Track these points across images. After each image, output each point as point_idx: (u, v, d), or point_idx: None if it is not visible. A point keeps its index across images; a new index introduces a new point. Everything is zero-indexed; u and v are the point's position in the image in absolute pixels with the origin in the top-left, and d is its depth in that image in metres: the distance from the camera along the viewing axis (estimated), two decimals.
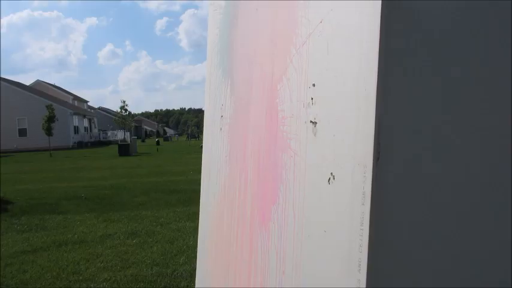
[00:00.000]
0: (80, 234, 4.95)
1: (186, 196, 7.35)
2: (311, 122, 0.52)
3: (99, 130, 44.41)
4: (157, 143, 32.86)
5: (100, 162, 16.36)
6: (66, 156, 21.43)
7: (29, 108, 31.20)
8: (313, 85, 0.52)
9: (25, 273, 3.65)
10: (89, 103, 52.01)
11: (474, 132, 0.46)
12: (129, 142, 21.88)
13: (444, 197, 0.45)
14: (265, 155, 0.65)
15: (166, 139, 53.29)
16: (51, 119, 24.02)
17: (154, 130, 72.80)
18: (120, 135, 37.74)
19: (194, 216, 5.60)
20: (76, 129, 35.21)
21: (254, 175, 0.69)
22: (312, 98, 0.53)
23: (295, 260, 0.55)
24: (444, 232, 0.45)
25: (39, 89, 38.62)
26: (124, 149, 20.63)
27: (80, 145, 34.01)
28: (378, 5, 0.41)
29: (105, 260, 3.96)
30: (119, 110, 35.09)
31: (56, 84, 48.47)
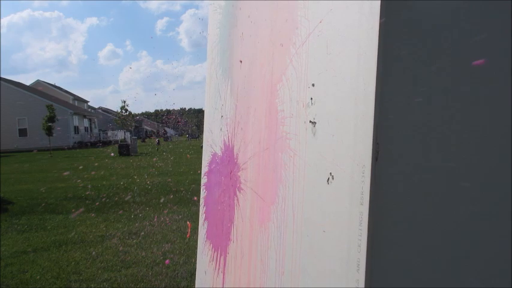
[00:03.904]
0: (80, 234, 4.95)
1: (186, 196, 7.35)
2: (310, 122, 0.52)
3: (99, 130, 44.42)
4: (158, 143, 32.85)
5: (100, 162, 16.35)
6: (66, 156, 21.42)
7: (29, 108, 31.17)
8: (313, 85, 0.52)
9: (25, 273, 3.65)
10: (89, 103, 52.01)
11: (474, 131, 0.46)
12: (129, 142, 21.84)
13: (443, 196, 0.45)
14: (265, 155, 0.65)
15: (166, 139, 53.27)
16: (51, 119, 24.01)
17: (155, 130, 72.78)
18: (120, 135, 37.73)
19: (194, 216, 5.59)
20: (76, 129, 35.22)
21: (254, 175, 0.69)
22: (311, 98, 0.53)
23: (294, 260, 0.55)
24: (443, 232, 0.45)
25: (39, 89, 38.60)
26: (124, 149, 20.59)
27: (80, 145, 34.02)
28: (377, 5, 0.41)
29: (105, 260, 3.96)
30: (119, 110, 35.05)
31: (56, 84, 48.48)
